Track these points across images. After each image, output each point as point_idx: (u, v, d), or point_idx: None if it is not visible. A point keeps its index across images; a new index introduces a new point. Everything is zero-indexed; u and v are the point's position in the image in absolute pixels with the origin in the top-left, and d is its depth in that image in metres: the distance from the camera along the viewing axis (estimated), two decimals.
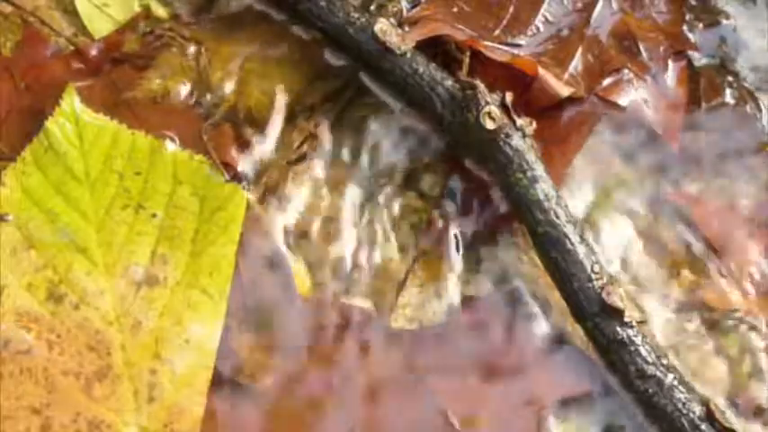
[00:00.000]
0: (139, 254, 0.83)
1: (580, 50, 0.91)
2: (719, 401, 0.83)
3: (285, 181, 0.88)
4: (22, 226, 0.83)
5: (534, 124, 0.86)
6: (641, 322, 0.83)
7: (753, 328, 0.86)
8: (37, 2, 0.93)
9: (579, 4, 0.93)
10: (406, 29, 0.89)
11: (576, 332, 0.84)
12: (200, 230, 0.84)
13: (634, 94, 0.91)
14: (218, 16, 0.92)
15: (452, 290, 0.86)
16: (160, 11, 0.92)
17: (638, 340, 0.82)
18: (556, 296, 0.84)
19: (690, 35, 0.94)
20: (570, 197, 0.88)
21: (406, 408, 0.83)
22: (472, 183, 0.88)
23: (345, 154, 0.90)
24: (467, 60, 0.89)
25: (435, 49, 0.89)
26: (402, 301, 0.86)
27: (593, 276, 0.82)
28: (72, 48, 0.91)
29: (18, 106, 0.88)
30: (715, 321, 0.87)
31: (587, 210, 0.89)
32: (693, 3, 0.95)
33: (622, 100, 0.91)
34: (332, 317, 0.85)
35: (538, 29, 0.92)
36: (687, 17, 0.94)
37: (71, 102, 0.86)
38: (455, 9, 0.91)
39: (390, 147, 0.90)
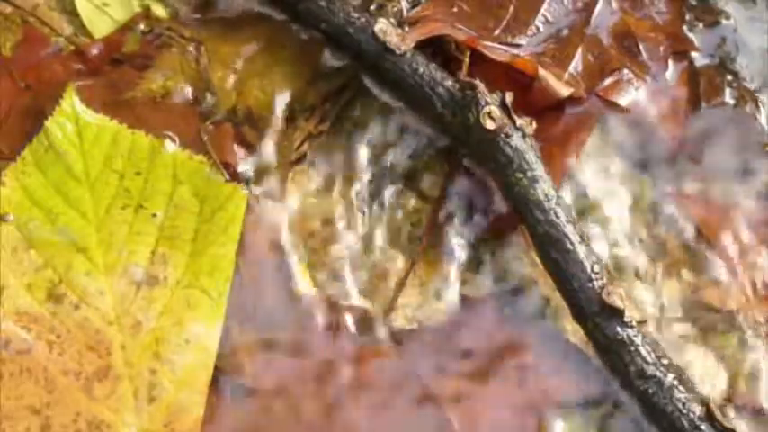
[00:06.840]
0: (139, 254, 0.83)
1: (580, 50, 0.91)
2: (719, 401, 0.83)
3: (285, 181, 0.88)
4: (22, 226, 0.83)
5: (534, 124, 0.86)
6: (641, 322, 0.83)
7: (752, 328, 0.86)
8: (37, 2, 0.93)
9: (579, 4, 0.93)
10: (406, 29, 0.89)
11: (576, 332, 0.84)
12: (200, 230, 0.84)
13: (634, 94, 0.91)
14: (218, 16, 0.92)
15: (452, 290, 0.86)
16: (160, 11, 0.92)
17: (638, 340, 0.82)
18: (556, 296, 0.84)
19: (690, 35, 0.94)
20: (570, 197, 0.88)
21: (406, 408, 0.83)
22: (472, 183, 0.89)
23: (345, 154, 0.90)
24: (467, 60, 0.89)
25: (435, 49, 0.89)
26: (402, 301, 0.86)
27: (594, 276, 0.82)
28: (72, 48, 0.91)
29: (18, 106, 0.88)
30: (715, 321, 0.87)
31: (587, 210, 0.89)
32: (693, 3, 0.95)
33: (622, 100, 0.91)
34: (332, 317, 0.85)
35: (538, 29, 0.92)
36: (687, 17, 0.94)
37: (71, 102, 0.86)
38: (455, 9, 0.91)
39: (390, 147, 0.90)
